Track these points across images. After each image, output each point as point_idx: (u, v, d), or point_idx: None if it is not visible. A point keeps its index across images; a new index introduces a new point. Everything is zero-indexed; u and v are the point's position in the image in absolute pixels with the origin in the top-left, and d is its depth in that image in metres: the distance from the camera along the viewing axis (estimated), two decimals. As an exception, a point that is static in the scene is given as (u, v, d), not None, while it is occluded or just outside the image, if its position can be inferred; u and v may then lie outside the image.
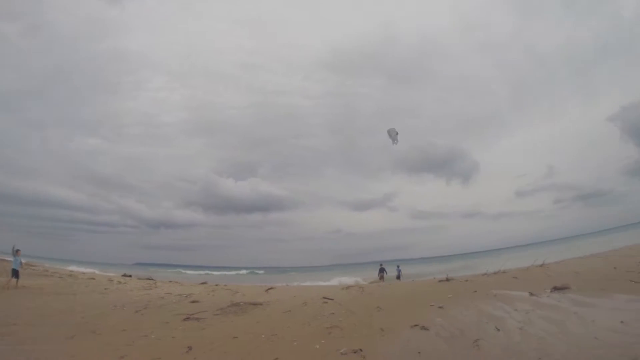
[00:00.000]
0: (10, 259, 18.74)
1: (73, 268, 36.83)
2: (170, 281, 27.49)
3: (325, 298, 14.63)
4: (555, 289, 12.37)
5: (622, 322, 7.92)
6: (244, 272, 72.58)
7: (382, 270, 32.45)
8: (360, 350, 7.80)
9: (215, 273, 65.73)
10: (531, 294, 12.08)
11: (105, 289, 19.39)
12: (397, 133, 18.90)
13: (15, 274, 17.83)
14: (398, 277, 31.24)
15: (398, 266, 33.28)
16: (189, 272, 65.53)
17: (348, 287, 19.72)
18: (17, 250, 18.59)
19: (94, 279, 24.77)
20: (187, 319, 11.58)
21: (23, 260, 19.29)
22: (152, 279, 27.89)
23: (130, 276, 30.45)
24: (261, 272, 77.55)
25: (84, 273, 28.36)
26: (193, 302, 15.11)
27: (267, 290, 19.17)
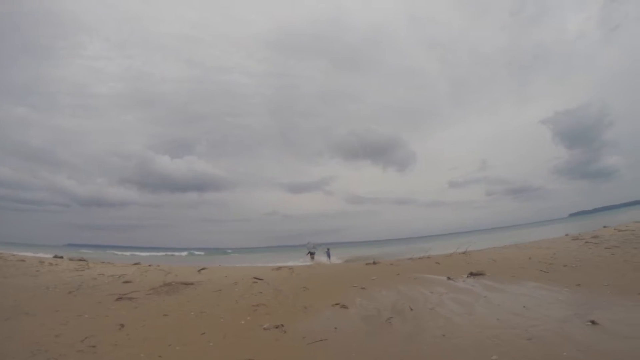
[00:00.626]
0: None
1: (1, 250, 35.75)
2: (103, 262, 27.30)
3: (255, 278, 15.02)
4: (472, 274, 13.27)
5: (524, 306, 8.64)
6: (183, 253, 72.19)
7: (312, 253, 33.68)
8: (282, 325, 8.29)
9: (155, 254, 65.01)
10: (449, 278, 12.95)
11: (37, 271, 19.08)
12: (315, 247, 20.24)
13: None
14: (328, 257, 32.55)
15: (327, 249, 34.58)
16: (125, 253, 64.30)
17: (279, 268, 20.19)
18: None
19: (24, 260, 24.20)
20: (119, 298, 11.66)
21: None
22: (85, 260, 27.67)
23: (62, 257, 29.90)
24: (201, 253, 77.37)
25: (13, 255, 27.70)
26: (126, 282, 15.18)
27: (199, 271, 19.35)
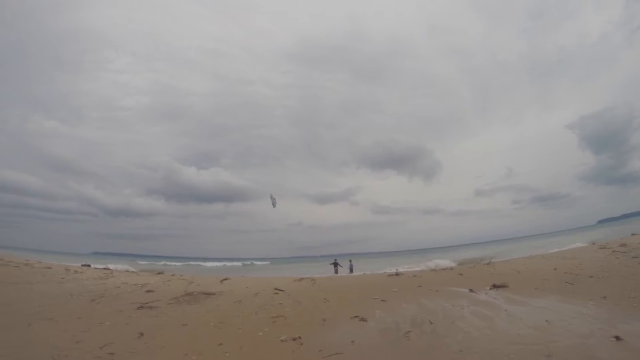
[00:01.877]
0: None
1: (29, 257, 36.43)
2: (127, 271, 27.67)
3: (276, 289, 15.05)
4: (494, 286, 12.94)
5: (547, 321, 8.33)
6: (237, 263, 72.57)
7: (336, 264, 33.59)
8: (299, 338, 8.22)
9: (206, 264, 65.81)
10: (471, 290, 12.66)
11: (62, 278, 19.37)
12: (275, 198, 20.33)
13: None
14: (351, 271, 32.34)
15: (350, 260, 34.30)
16: (175, 263, 65.21)
17: (300, 279, 20.16)
18: None
19: (50, 268, 24.62)
20: (141, 307, 11.76)
21: None
22: (109, 269, 28.10)
23: (89, 266, 30.45)
24: (266, 262, 77.99)
25: (40, 262, 28.21)
26: (148, 291, 15.25)
27: (221, 281, 19.40)
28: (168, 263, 60.63)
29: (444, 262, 35.57)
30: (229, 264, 71.60)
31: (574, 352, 6.40)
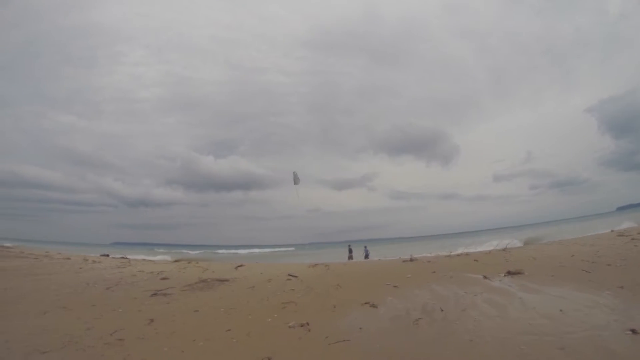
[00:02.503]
0: None
1: (49, 249, 37.12)
2: (144, 259, 28.07)
3: (289, 275, 15.04)
4: (509, 273, 12.65)
5: (561, 310, 8.07)
6: (266, 250, 73.51)
7: (350, 251, 33.63)
8: (307, 324, 8.18)
9: (241, 252, 66.83)
10: (485, 277, 12.37)
11: (80, 268, 19.67)
12: (298, 177, 20.10)
13: None
14: (366, 257, 32.28)
15: (365, 247, 34.26)
16: (219, 252, 66.46)
17: (314, 265, 20.10)
18: None
19: (69, 258, 25.04)
20: (154, 294, 11.91)
21: None
22: (126, 258, 28.53)
23: (107, 255, 30.97)
24: (292, 248, 78.91)
25: (59, 253, 28.76)
26: (163, 279, 15.45)
27: (236, 268, 19.57)
28: (188, 251, 61.43)
29: (506, 241, 35.45)
30: (257, 250, 72.45)
31: (588, 345, 6.17)
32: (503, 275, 12.67)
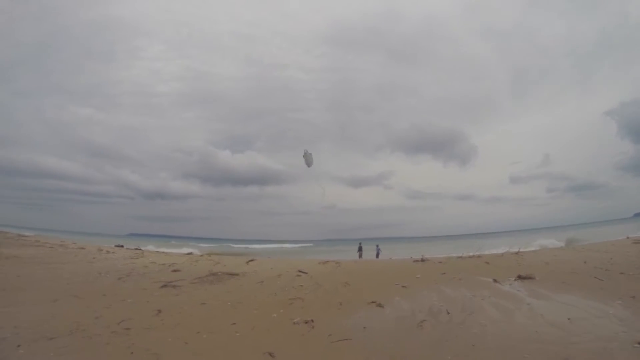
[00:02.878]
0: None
1: (65, 239, 37.62)
2: (157, 251, 28.37)
3: (299, 271, 15.02)
4: (520, 277, 12.46)
5: (569, 318, 7.89)
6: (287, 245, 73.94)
7: (360, 249, 33.57)
8: (312, 321, 8.18)
9: (256, 246, 67.36)
10: (495, 280, 12.23)
11: (94, 258, 19.95)
12: (311, 154, 19.88)
13: None
14: (377, 256, 32.20)
15: (377, 245, 34.03)
16: (234, 246, 67.01)
17: (325, 261, 20.00)
18: None
19: (84, 248, 25.38)
20: (164, 286, 12.07)
21: None
22: (140, 249, 28.84)
23: (122, 246, 31.36)
24: (310, 244, 79.24)
25: (75, 243, 29.17)
26: (174, 271, 15.61)
27: (247, 262, 19.58)
28: (202, 245, 61.80)
29: (548, 240, 35.14)
30: (278, 245, 72.76)
31: (593, 357, 6.00)
32: (513, 279, 12.49)
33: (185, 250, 36.93)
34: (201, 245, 59.17)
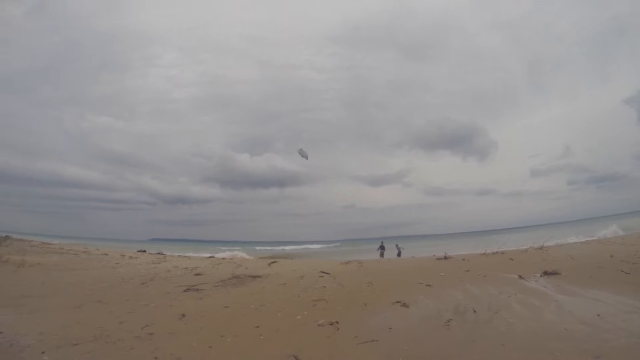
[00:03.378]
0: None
1: (89, 245, 38.14)
2: (180, 255, 28.52)
3: (322, 272, 14.88)
4: (545, 273, 12.25)
5: (599, 315, 7.72)
6: (315, 246, 74.41)
7: (381, 248, 33.26)
8: (337, 322, 8.08)
9: (287, 248, 67.83)
10: (520, 277, 12.03)
11: (117, 263, 20.10)
12: (303, 150, 19.82)
13: None
14: (398, 255, 31.82)
15: (397, 245, 33.71)
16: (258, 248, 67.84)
17: (347, 262, 19.76)
18: None
19: (107, 254, 25.60)
20: (187, 290, 12.06)
21: None
22: (162, 254, 29.03)
23: (144, 251, 31.58)
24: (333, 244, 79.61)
25: (98, 249, 29.52)
26: (197, 274, 15.52)
27: (269, 264, 19.50)
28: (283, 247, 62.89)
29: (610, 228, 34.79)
30: (303, 246, 73.15)
31: (625, 354, 5.86)
32: (539, 275, 12.28)
33: (240, 254, 37.13)
34: (257, 248, 59.91)
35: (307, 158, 19.60)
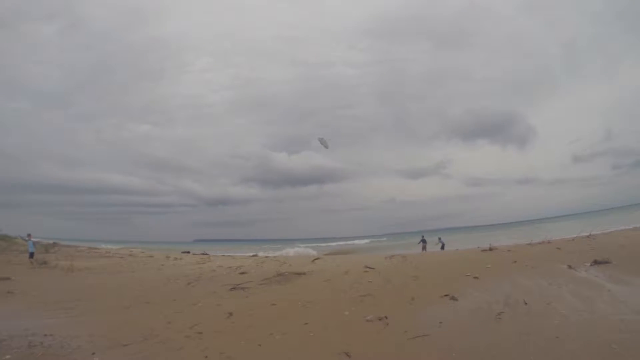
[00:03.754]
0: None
1: (134, 249, 39.04)
2: (223, 255, 28.84)
3: (366, 267, 14.71)
4: (596, 262, 11.90)
5: None
6: (365, 241, 74.11)
7: (423, 241, 32.76)
8: (386, 317, 7.98)
9: (331, 244, 67.39)
10: (570, 267, 11.71)
11: (162, 265, 20.57)
12: (324, 138, 19.48)
13: (31, 255, 20.15)
14: (442, 248, 31.37)
15: (439, 238, 33.05)
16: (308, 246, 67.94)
17: (391, 256, 19.46)
18: (29, 235, 21.39)
19: (152, 257, 26.21)
20: (233, 288, 12.15)
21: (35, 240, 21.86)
22: (206, 254, 29.44)
23: (189, 252, 32.12)
24: (384, 239, 79.20)
25: (143, 252, 30.17)
26: (242, 273, 15.61)
27: (313, 261, 19.44)
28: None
29: None
30: (356, 242, 72.76)
31: None
32: (589, 264, 11.91)
33: (310, 251, 37.56)
34: (320, 245, 60.02)
35: (327, 147, 19.43)
